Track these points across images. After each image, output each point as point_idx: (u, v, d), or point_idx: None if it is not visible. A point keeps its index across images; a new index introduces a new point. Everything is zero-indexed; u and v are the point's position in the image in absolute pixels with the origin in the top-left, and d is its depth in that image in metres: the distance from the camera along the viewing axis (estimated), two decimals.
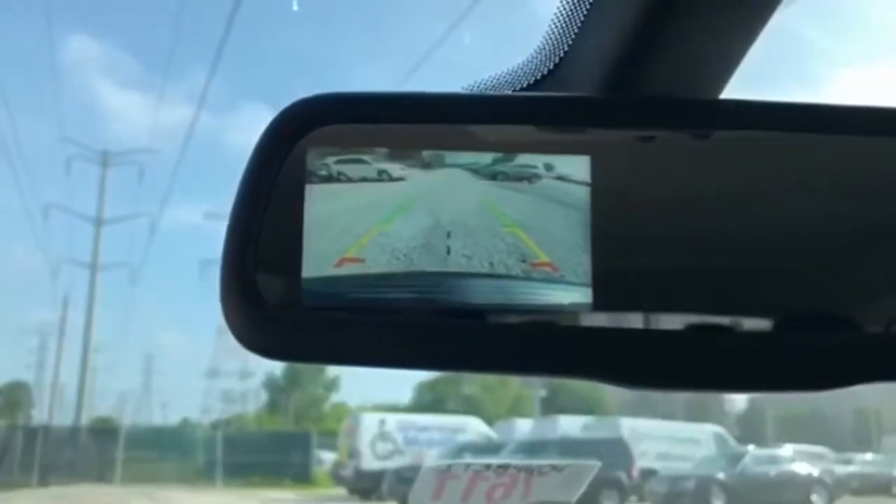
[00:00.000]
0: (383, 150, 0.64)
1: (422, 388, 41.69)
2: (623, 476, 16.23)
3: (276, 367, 44.57)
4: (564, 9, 0.73)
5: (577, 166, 0.64)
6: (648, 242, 0.67)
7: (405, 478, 15.91)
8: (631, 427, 21.11)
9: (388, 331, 0.64)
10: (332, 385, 45.49)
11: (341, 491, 22.06)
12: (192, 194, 71.27)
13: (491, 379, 38.58)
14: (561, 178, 0.64)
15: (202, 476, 26.24)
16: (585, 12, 0.71)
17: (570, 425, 22.74)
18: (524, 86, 0.78)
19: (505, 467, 1.52)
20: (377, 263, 0.63)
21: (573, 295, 0.63)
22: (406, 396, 43.20)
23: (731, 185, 0.68)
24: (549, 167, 0.64)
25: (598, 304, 0.63)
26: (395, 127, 0.67)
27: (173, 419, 49.19)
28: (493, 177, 0.64)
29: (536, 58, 0.78)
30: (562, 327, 0.64)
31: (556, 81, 0.77)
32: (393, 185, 0.64)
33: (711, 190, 0.68)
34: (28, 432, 26.78)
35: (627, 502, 16.74)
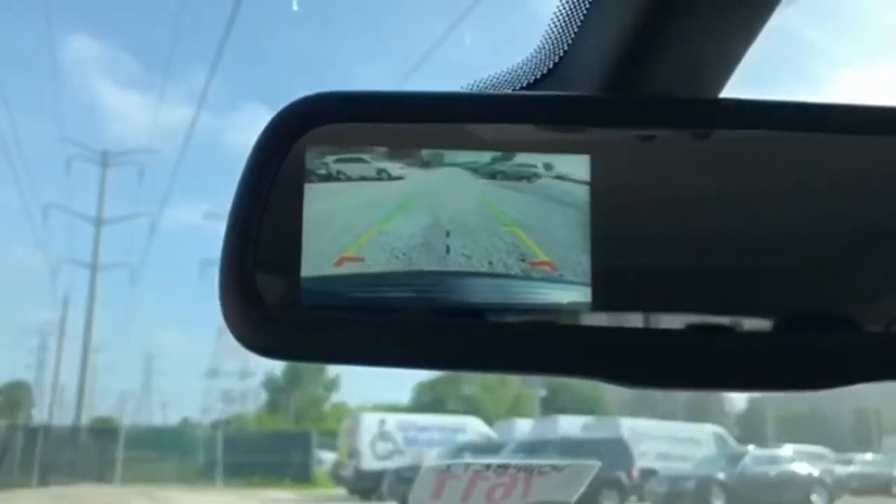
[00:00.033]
0: (382, 149, 0.64)
1: (422, 388, 41.73)
2: (623, 476, 16.23)
3: (276, 366, 44.68)
4: (564, 8, 0.73)
5: (577, 165, 0.64)
6: (648, 242, 0.67)
7: (405, 478, 15.92)
8: (631, 427, 21.11)
9: (387, 330, 0.64)
10: (332, 385, 45.54)
11: (341, 491, 22.07)
12: (192, 194, 71.38)
13: (491, 379, 38.62)
14: (560, 177, 0.64)
15: (202, 476, 26.25)
16: (585, 11, 0.71)
17: (570, 425, 22.75)
18: (524, 85, 0.78)
19: (505, 467, 1.52)
20: (376, 262, 0.63)
21: (572, 294, 0.63)
22: (406, 396, 43.25)
23: (731, 185, 0.68)
24: (548, 166, 0.64)
25: (598, 304, 0.63)
26: (394, 126, 0.67)
27: (173, 419, 49.28)
28: (493, 176, 0.64)
29: (536, 57, 0.78)
30: (561, 326, 0.64)
31: (555, 81, 0.77)
32: (392, 184, 0.64)
33: (711, 189, 0.68)
34: (28, 432, 26.79)
35: (627, 502, 16.74)
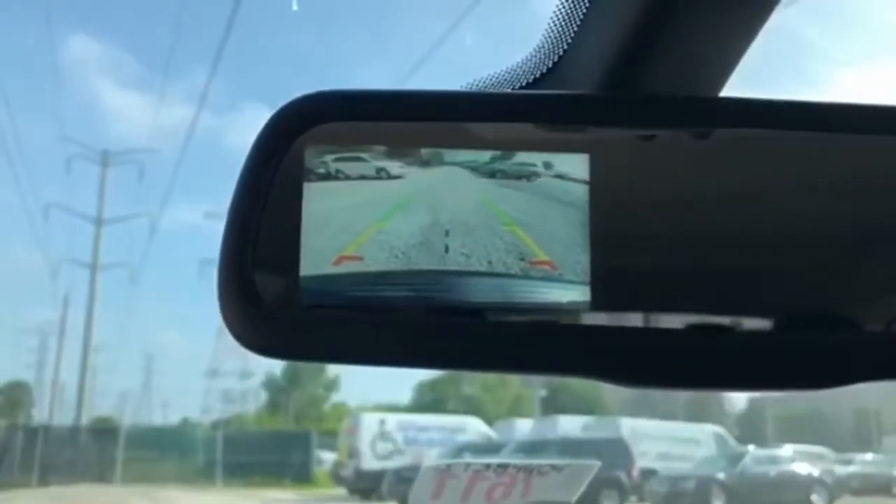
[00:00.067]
0: (382, 148, 0.64)
1: (422, 388, 41.73)
2: (623, 476, 16.22)
3: (276, 366, 44.70)
4: (564, 7, 0.73)
5: (576, 164, 0.64)
6: (648, 241, 0.67)
7: (405, 478, 15.91)
8: (631, 427, 21.11)
9: (386, 329, 0.64)
10: (332, 385, 45.54)
11: (341, 491, 22.07)
12: (192, 194, 71.39)
13: (491, 379, 38.64)
14: (560, 176, 0.64)
15: (202, 476, 26.25)
16: (585, 10, 0.71)
17: (570, 425, 22.74)
18: (523, 84, 0.78)
19: (504, 467, 1.52)
20: (375, 261, 0.63)
21: (572, 293, 0.63)
22: (406, 396, 43.25)
23: (731, 184, 0.68)
24: (547, 165, 0.64)
25: (597, 303, 0.63)
26: (393, 125, 0.67)
27: (173, 419, 49.30)
28: (492, 175, 0.64)
29: (536, 56, 0.78)
30: (561, 326, 0.64)
31: (555, 80, 0.76)
32: (391, 182, 0.63)
33: (711, 189, 0.68)
34: (28, 432, 26.79)
35: (627, 502, 16.73)
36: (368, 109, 0.67)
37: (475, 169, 0.64)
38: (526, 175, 0.64)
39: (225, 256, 0.63)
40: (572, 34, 0.73)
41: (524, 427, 24.95)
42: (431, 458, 17.41)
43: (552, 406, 33.11)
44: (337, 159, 0.64)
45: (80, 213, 37.02)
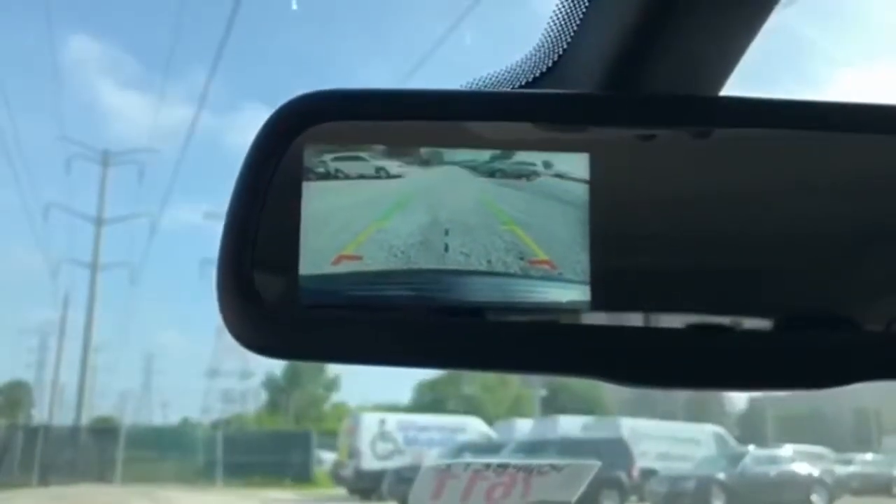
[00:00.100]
0: (381, 147, 0.64)
1: (422, 388, 41.73)
2: (623, 476, 16.23)
3: (276, 366, 44.74)
4: (564, 6, 0.73)
5: (576, 164, 0.64)
6: (648, 241, 0.66)
7: (405, 478, 15.92)
8: (631, 427, 21.11)
9: (385, 328, 0.63)
10: (332, 385, 45.54)
11: (341, 491, 22.07)
12: (192, 194, 71.37)
13: (491, 379, 38.64)
14: (559, 175, 0.64)
15: (202, 476, 26.25)
16: (584, 9, 0.70)
17: (570, 425, 22.75)
18: (523, 83, 0.78)
19: (504, 467, 1.52)
20: (375, 261, 0.63)
21: (572, 293, 0.63)
22: (406, 396, 43.25)
23: (731, 184, 0.68)
24: (547, 164, 0.64)
25: (597, 303, 0.63)
26: (392, 124, 0.66)
27: (173, 419, 49.32)
28: (492, 174, 0.64)
29: (535, 55, 0.78)
30: (561, 325, 0.64)
31: (555, 79, 0.76)
32: (391, 182, 0.63)
33: (711, 188, 0.68)
34: (28, 432, 26.80)
35: (627, 502, 16.74)
36: (367, 108, 0.67)
37: (475, 168, 0.64)
38: (525, 174, 0.64)
39: (224, 256, 0.63)
40: (572, 33, 0.73)
41: (524, 427, 24.96)
42: (431, 458, 17.42)
43: (552, 406, 33.12)
44: (336, 158, 0.63)
45: (80, 213, 37.11)
